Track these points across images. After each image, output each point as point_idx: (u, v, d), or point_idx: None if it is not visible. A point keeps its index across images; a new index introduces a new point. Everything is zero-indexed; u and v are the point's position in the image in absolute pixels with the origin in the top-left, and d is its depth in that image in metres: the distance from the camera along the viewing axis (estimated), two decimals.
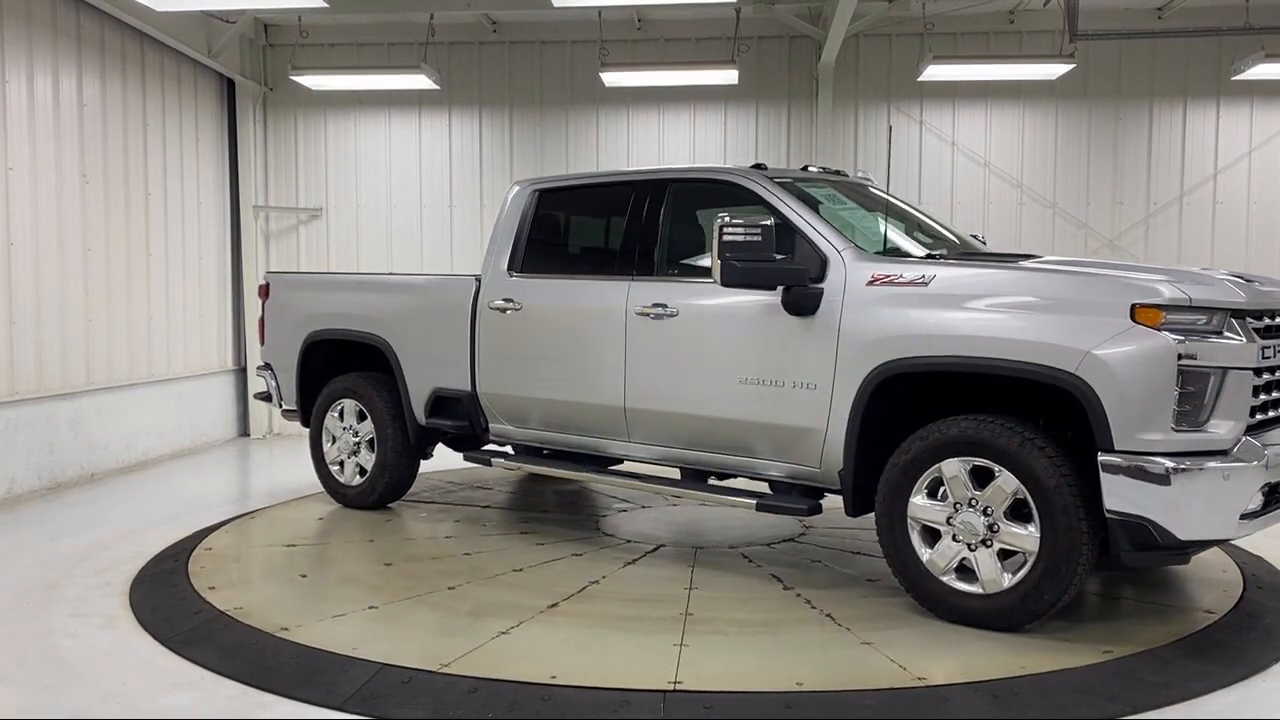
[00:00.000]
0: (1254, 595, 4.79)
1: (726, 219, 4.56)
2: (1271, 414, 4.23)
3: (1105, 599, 4.80)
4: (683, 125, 10.20)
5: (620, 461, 5.76)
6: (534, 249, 5.91)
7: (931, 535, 4.37)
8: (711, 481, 5.38)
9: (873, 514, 4.66)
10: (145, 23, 8.42)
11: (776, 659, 3.98)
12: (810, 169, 5.82)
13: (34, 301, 7.49)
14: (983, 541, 4.21)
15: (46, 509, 6.96)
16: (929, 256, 4.79)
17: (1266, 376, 4.12)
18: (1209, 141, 9.74)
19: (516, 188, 6.13)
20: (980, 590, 4.22)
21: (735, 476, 5.31)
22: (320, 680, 3.79)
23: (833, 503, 4.87)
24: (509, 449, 6.35)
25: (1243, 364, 3.95)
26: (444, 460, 6.95)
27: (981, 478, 4.21)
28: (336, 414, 6.70)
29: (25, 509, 6.95)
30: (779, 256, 4.65)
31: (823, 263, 4.67)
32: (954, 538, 4.28)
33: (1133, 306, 3.91)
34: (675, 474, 5.51)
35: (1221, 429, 3.93)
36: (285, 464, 8.71)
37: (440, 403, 6.19)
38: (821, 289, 4.62)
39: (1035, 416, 4.28)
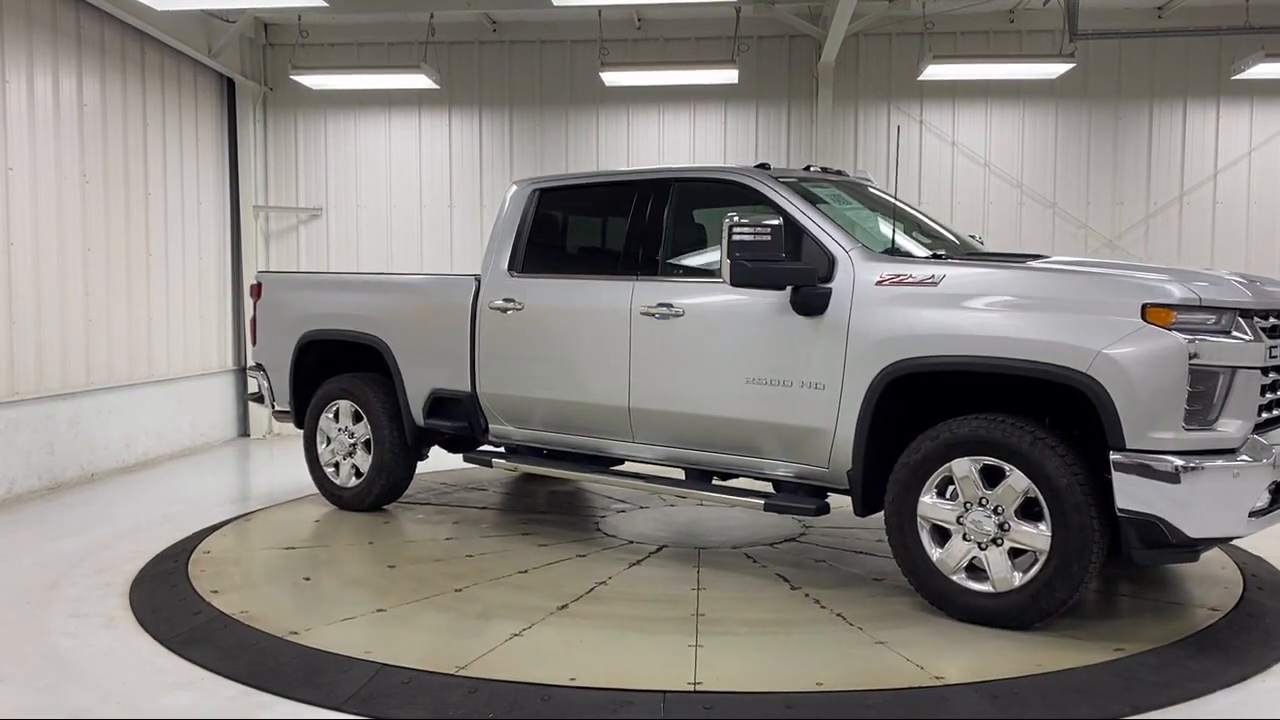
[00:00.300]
0: (1254, 595, 4.79)
1: (735, 219, 4.57)
2: (1276, 413, 4.26)
3: (1108, 597, 4.80)
4: (683, 125, 10.20)
5: (622, 462, 5.75)
6: (535, 249, 5.89)
7: (941, 534, 4.38)
8: (715, 482, 5.38)
9: (870, 514, 4.68)
10: (145, 22, 8.43)
11: (792, 659, 3.98)
12: (811, 169, 5.82)
13: (34, 301, 7.49)
14: (993, 540, 4.22)
15: (46, 509, 6.96)
16: (934, 256, 4.80)
17: (1273, 375, 4.16)
18: (1209, 141, 9.74)
19: (515, 187, 6.12)
20: (991, 589, 4.24)
21: (737, 476, 5.31)
22: (320, 681, 3.79)
23: (832, 502, 4.88)
24: (500, 450, 6.32)
25: (1251, 363, 3.99)
26: (436, 462, 6.94)
27: (991, 477, 4.23)
28: (331, 415, 6.66)
29: (25, 509, 6.95)
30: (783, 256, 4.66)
31: (830, 262, 4.68)
32: (964, 537, 4.29)
33: (1144, 306, 3.94)
34: (676, 474, 5.51)
35: (1231, 427, 3.96)
36: (285, 464, 8.70)
37: (439, 403, 6.17)
38: (830, 289, 4.62)
39: (1040, 416, 4.29)
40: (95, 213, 8.21)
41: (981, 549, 4.25)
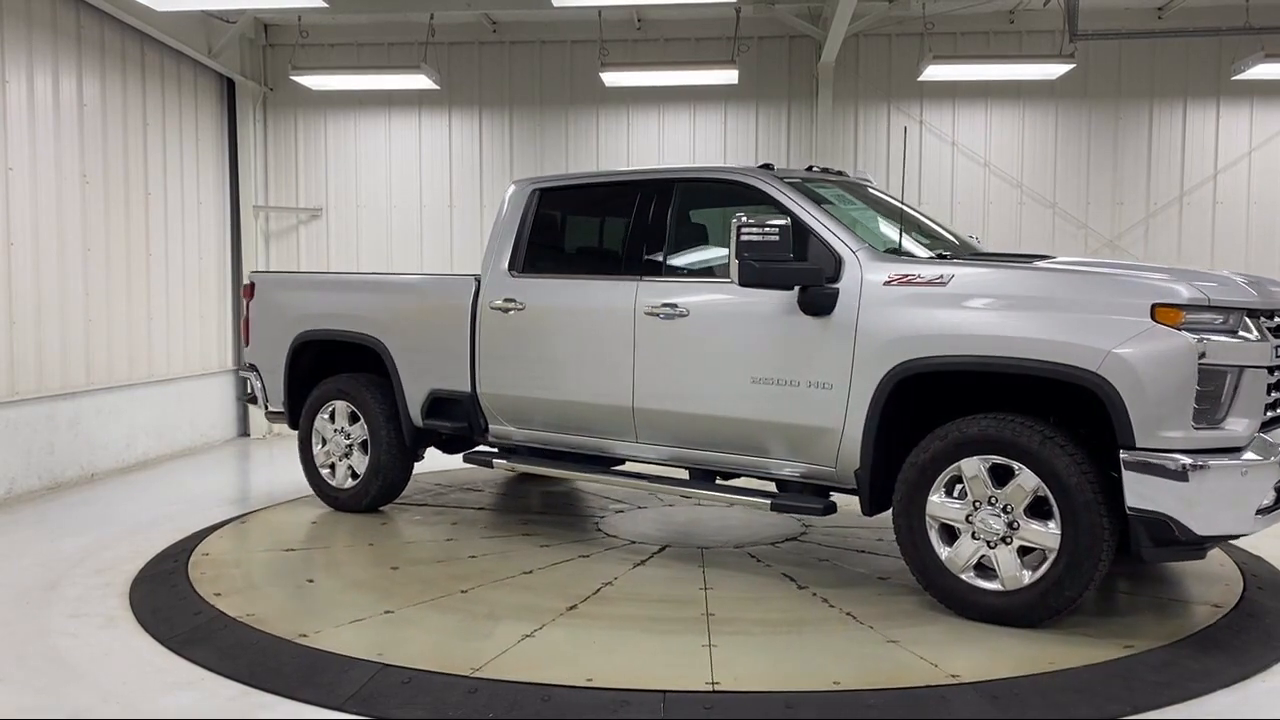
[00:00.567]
0: (1254, 595, 4.80)
1: (744, 219, 4.58)
2: None
3: (1110, 595, 4.80)
4: (683, 125, 10.20)
5: (623, 462, 5.75)
6: (537, 249, 5.88)
7: (949, 533, 4.40)
8: (719, 482, 5.38)
9: (877, 513, 4.70)
10: (145, 23, 8.43)
11: (807, 659, 3.98)
12: (813, 169, 5.82)
13: (34, 301, 7.49)
14: (1002, 539, 4.24)
15: (46, 509, 6.96)
16: (940, 256, 4.82)
17: (1278, 375, 4.19)
18: (1209, 141, 9.74)
19: (514, 187, 6.11)
20: (1000, 587, 4.27)
21: (739, 476, 5.32)
22: (320, 680, 3.79)
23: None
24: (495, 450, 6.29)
25: (1257, 362, 4.03)
26: (429, 463, 6.90)
27: (1000, 476, 4.24)
28: (327, 416, 6.61)
29: (25, 509, 6.95)
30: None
31: (837, 263, 4.69)
32: (973, 535, 4.31)
33: (1153, 306, 3.97)
34: (677, 474, 5.51)
35: (1238, 426, 4.00)
36: (285, 464, 8.69)
37: (438, 404, 6.15)
38: (837, 289, 4.63)
39: (1044, 415, 4.30)
40: (95, 213, 8.21)
41: (990, 547, 4.28)
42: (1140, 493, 3.91)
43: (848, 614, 4.51)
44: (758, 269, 4.58)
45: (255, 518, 6.55)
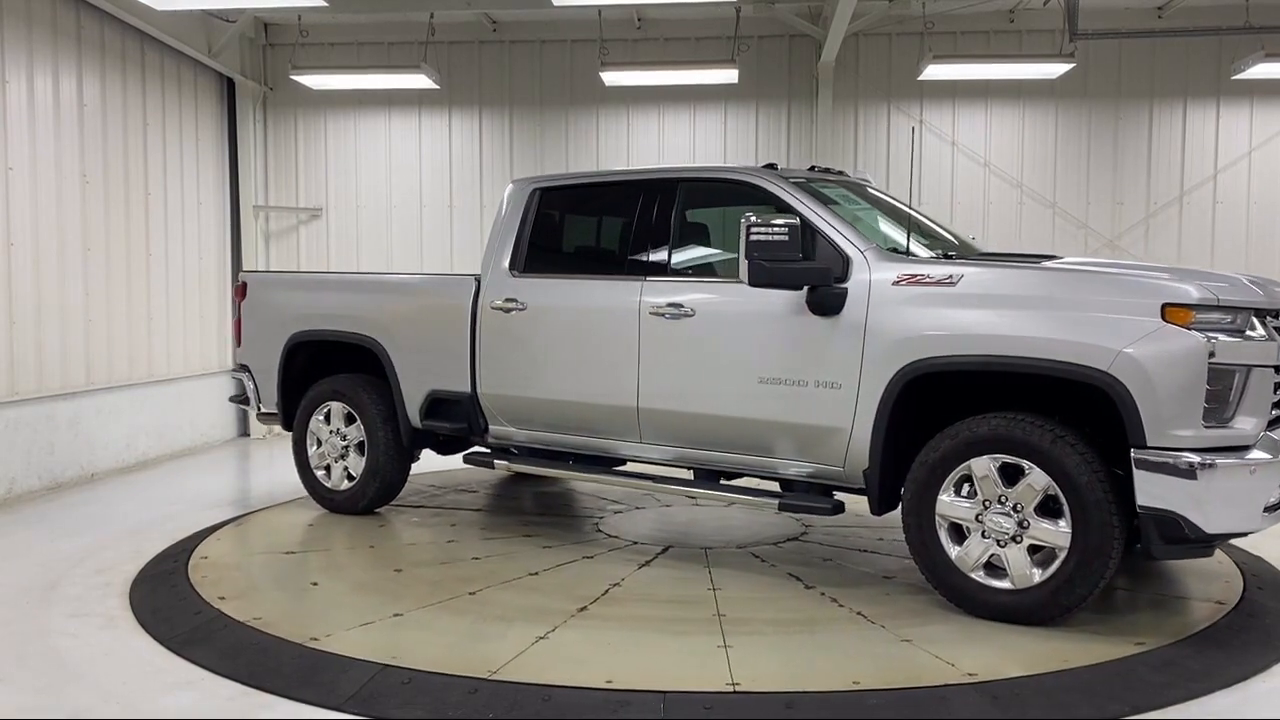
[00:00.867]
0: (1254, 595, 4.80)
1: (753, 219, 4.58)
2: None
3: (1112, 593, 4.81)
4: (683, 125, 10.20)
5: (624, 462, 5.74)
6: (539, 249, 5.87)
7: (959, 532, 4.42)
8: (723, 482, 5.38)
9: (885, 512, 4.72)
10: (145, 22, 8.43)
11: (825, 659, 3.99)
12: (814, 169, 5.83)
13: (34, 301, 7.49)
14: (1012, 538, 4.26)
15: (46, 509, 6.96)
16: (947, 256, 4.83)
17: None
18: (1209, 141, 9.74)
19: (512, 186, 6.10)
20: (1010, 585, 4.29)
21: (741, 476, 5.31)
22: (320, 680, 3.78)
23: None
24: (478, 450, 6.26)
25: (1265, 361, 4.06)
26: (419, 464, 6.81)
27: (1010, 475, 4.26)
28: (322, 417, 6.56)
29: (25, 509, 6.95)
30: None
31: (845, 262, 4.69)
32: (982, 534, 4.33)
33: (1163, 306, 4.00)
34: (680, 474, 5.51)
35: (1247, 425, 4.04)
36: (284, 465, 8.61)
37: (436, 405, 6.12)
38: (846, 289, 4.64)
39: (1051, 414, 4.32)
40: (95, 213, 8.21)
41: (1000, 546, 4.30)
42: (1151, 491, 3.95)
43: (858, 613, 4.51)
44: (768, 269, 4.59)
45: (253, 519, 6.53)
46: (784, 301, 4.78)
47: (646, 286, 5.30)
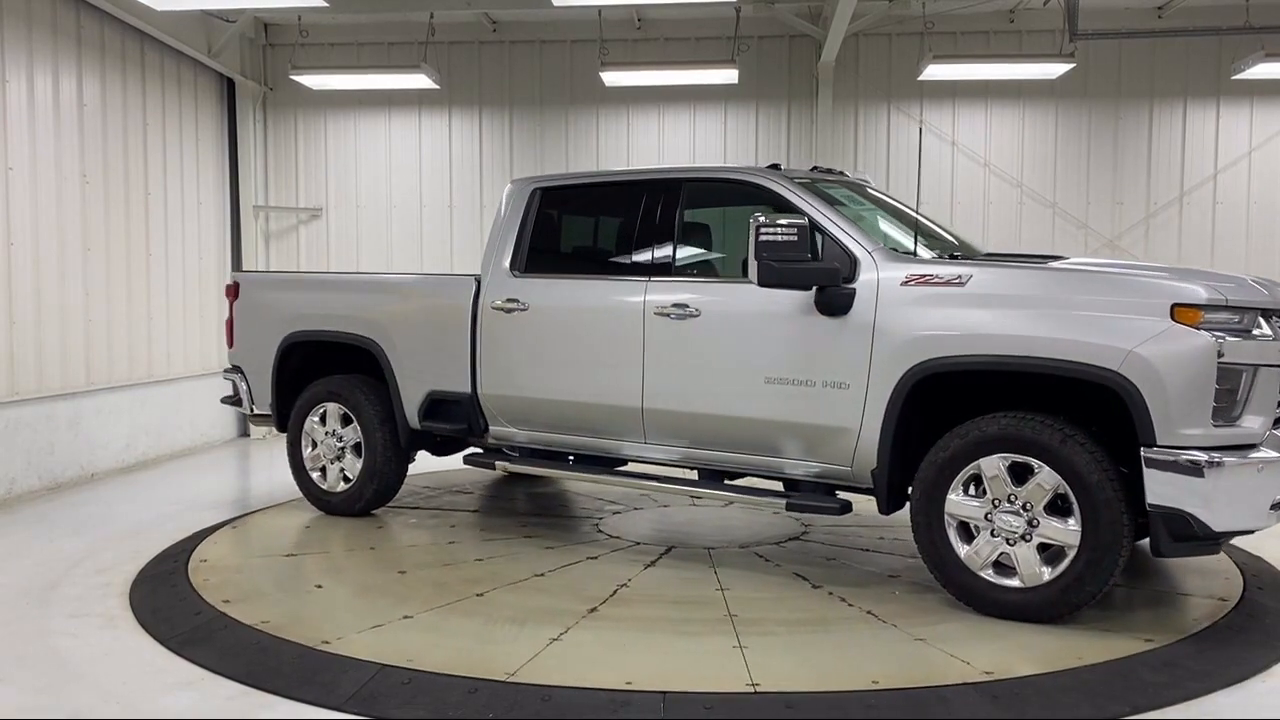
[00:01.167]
0: (1254, 595, 4.80)
1: (762, 219, 4.58)
2: None
3: (1112, 591, 4.80)
4: (683, 125, 10.20)
5: (626, 463, 5.74)
6: (540, 249, 5.85)
7: (967, 531, 4.43)
8: (727, 482, 5.38)
9: (893, 512, 4.74)
10: (145, 22, 8.42)
11: (841, 658, 3.99)
12: (816, 169, 5.84)
13: (34, 301, 7.49)
14: (1021, 536, 4.28)
15: (46, 509, 6.96)
16: (952, 256, 4.83)
17: None
18: (1209, 141, 9.74)
19: (511, 186, 6.09)
20: (1019, 584, 4.31)
21: (744, 476, 5.31)
22: (320, 680, 3.78)
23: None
24: (478, 451, 6.25)
25: (1272, 361, 4.09)
26: (412, 465, 6.75)
27: (1019, 474, 4.28)
28: (318, 418, 6.51)
29: (25, 509, 6.95)
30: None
31: (853, 263, 4.69)
32: (992, 533, 4.35)
33: (1173, 306, 4.03)
34: (680, 474, 5.51)
35: (1254, 423, 4.08)
36: (284, 466, 8.65)
37: (435, 405, 6.08)
38: (854, 289, 4.64)
39: (1058, 413, 4.33)
40: (95, 213, 8.21)
41: (1009, 545, 4.32)
42: (1160, 490, 3.98)
43: (868, 612, 4.52)
44: (778, 269, 4.59)
45: (251, 520, 6.51)
46: (791, 302, 4.78)
47: (651, 286, 5.29)
